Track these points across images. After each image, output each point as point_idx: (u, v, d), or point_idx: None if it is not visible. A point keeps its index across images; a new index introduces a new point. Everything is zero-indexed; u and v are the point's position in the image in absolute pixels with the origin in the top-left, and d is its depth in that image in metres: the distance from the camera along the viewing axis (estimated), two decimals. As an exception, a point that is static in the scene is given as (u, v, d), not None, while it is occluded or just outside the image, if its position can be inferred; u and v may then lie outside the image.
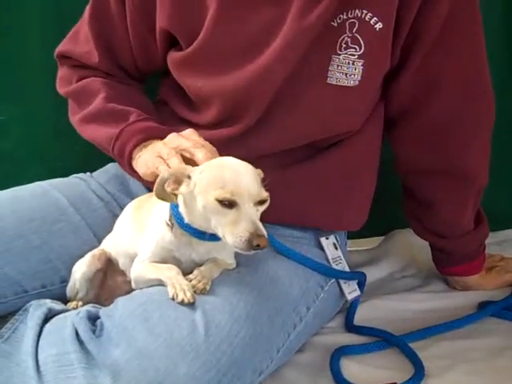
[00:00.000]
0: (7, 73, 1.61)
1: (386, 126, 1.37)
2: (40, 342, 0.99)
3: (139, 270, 1.08)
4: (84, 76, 1.35)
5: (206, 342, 0.94)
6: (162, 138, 1.14)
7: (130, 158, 1.18)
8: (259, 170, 1.01)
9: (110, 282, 1.23)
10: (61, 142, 1.63)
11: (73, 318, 1.00)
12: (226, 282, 1.06)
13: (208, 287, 1.02)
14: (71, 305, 1.17)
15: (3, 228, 1.21)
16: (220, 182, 0.95)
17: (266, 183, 1.00)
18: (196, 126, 1.25)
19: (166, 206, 1.07)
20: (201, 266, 1.05)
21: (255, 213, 0.95)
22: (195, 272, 1.03)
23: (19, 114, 1.63)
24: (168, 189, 1.00)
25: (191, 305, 0.97)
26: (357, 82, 1.17)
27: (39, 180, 1.39)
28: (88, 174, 1.45)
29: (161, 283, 1.02)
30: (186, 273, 1.03)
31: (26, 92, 1.63)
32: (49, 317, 1.05)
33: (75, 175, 1.44)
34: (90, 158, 1.51)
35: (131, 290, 1.14)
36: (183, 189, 0.99)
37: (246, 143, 1.20)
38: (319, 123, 1.21)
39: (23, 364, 0.97)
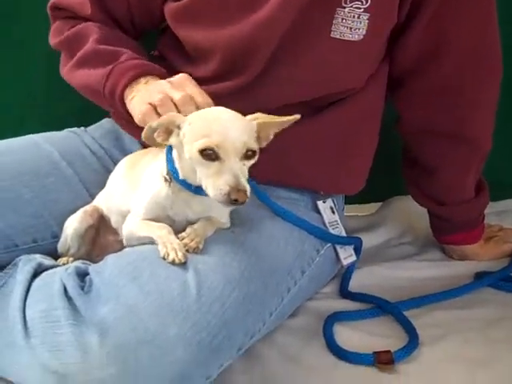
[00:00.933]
0: (2, 26, 1.57)
1: (390, 85, 1.33)
2: (28, 298, 0.96)
3: (131, 227, 1.05)
4: (76, 25, 1.29)
5: (197, 303, 0.92)
6: (154, 75, 1.12)
7: (123, 98, 1.13)
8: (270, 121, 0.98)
9: (101, 239, 1.20)
10: (57, 96, 1.58)
11: (61, 273, 0.97)
12: (220, 241, 1.03)
13: (201, 246, 0.99)
14: (62, 260, 1.14)
15: None
16: (205, 133, 0.92)
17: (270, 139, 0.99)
18: (195, 81, 1.21)
19: (162, 161, 1.04)
20: (193, 224, 1.02)
21: (240, 167, 0.92)
22: (188, 230, 1.00)
23: (14, 68, 1.60)
24: (158, 139, 0.98)
25: (182, 265, 0.94)
26: (361, 37, 1.13)
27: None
28: (82, 128, 1.41)
29: (152, 241, 0.99)
30: (178, 232, 1.01)
31: (23, 45, 1.59)
32: (38, 272, 1.03)
33: (69, 129, 1.41)
34: (85, 113, 1.47)
35: (123, 249, 1.12)
36: (173, 139, 0.97)
37: (246, 97, 1.16)
38: (322, 77, 1.18)
39: (11, 319, 0.95)
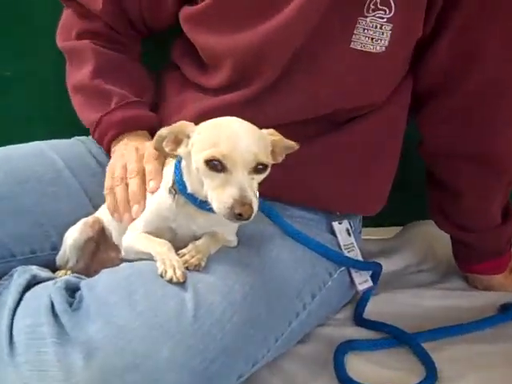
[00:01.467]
0: (13, 29, 1.53)
1: (414, 104, 1.26)
2: (17, 311, 0.90)
3: (130, 240, 0.99)
4: (83, 30, 1.27)
5: (193, 325, 0.84)
6: (142, 128, 1.18)
7: (109, 149, 1.20)
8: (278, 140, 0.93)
9: (102, 254, 1.14)
10: (66, 102, 1.53)
11: (50, 287, 0.91)
12: (224, 260, 0.96)
13: (203, 263, 0.92)
14: (59, 273, 1.08)
15: None
16: (213, 143, 0.86)
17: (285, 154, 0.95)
18: (207, 91, 1.17)
19: (169, 172, 0.98)
20: (198, 239, 0.96)
21: (247, 180, 0.85)
22: (189, 246, 0.94)
23: (24, 71, 1.55)
24: (166, 148, 0.93)
25: (180, 284, 0.87)
26: (383, 49, 1.06)
27: (41, 140, 1.31)
28: (90, 137, 1.36)
29: (151, 257, 0.93)
30: (181, 247, 0.94)
31: (32, 48, 1.54)
32: (32, 284, 0.96)
33: (77, 137, 1.35)
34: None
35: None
36: (181, 149, 0.92)
37: (259, 109, 1.10)
38: (339, 91, 1.11)
39: (1, 334, 0.89)
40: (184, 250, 0.92)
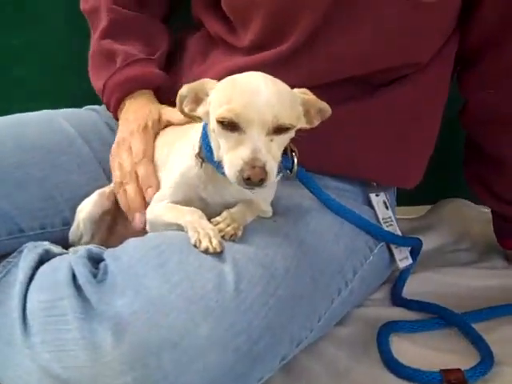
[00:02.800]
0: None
1: (458, 65, 1.17)
2: (30, 287, 0.79)
3: (156, 211, 0.89)
4: None
5: (235, 299, 0.74)
6: (146, 87, 1.11)
7: (117, 115, 1.12)
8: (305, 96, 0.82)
9: (119, 227, 1.04)
10: (79, 71, 1.43)
11: (71, 257, 0.80)
12: (261, 230, 0.86)
13: (239, 233, 0.82)
14: (73, 250, 0.98)
15: (1, 155, 1.03)
16: (228, 99, 0.76)
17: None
18: (236, 50, 1.07)
19: (196, 136, 0.88)
20: (231, 208, 0.85)
21: (264, 141, 0.75)
22: (224, 214, 0.83)
23: (35, 40, 1.46)
24: (186, 109, 0.83)
25: (218, 255, 0.77)
26: None
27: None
28: (103, 106, 1.25)
29: (181, 229, 0.82)
30: (214, 216, 0.84)
31: (43, 17, 1.45)
32: (45, 259, 0.85)
33: (88, 106, 1.26)
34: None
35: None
36: (200, 109, 0.82)
37: (292, 69, 1.00)
38: (382, 44, 1.00)
39: (11, 313, 0.78)
40: (218, 218, 0.82)
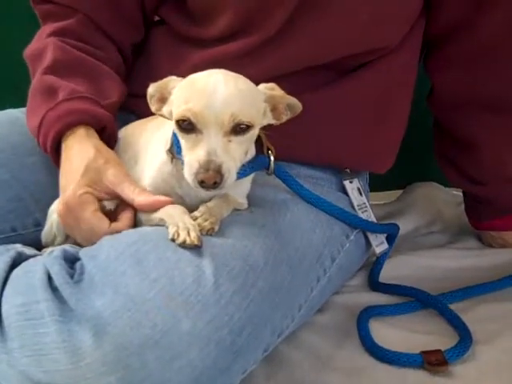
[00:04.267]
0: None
1: (426, 49, 1.18)
2: (4, 292, 0.77)
3: None
4: (53, 29, 1.08)
5: (215, 293, 0.73)
6: (89, 123, 0.95)
7: (57, 155, 0.97)
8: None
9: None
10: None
11: (45, 258, 0.78)
12: (238, 222, 0.85)
13: (216, 227, 0.81)
14: (47, 251, 0.96)
15: None
16: (186, 99, 0.76)
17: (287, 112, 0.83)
18: (201, 42, 1.05)
19: (168, 131, 0.86)
20: (207, 202, 0.85)
21: (221, 142, 0.75)
22: (201, 208, 0.82)
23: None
24: (152, 108, 0.83)
25: (195, 248, 0.76)
26: None
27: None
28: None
29: (160, 223, 0.81)
30: (189, 212, 0.83)
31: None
32: (18, 262, 0.83)
33: (53, 105, 1.21)
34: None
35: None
36: (164, 108, 0.82)
37: (261, 60, 1.00)
38: (352, 32, 1.01)
39: None
40: (196, 213, 0.81)
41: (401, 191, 1.64)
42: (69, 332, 0.68)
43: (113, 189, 0.86)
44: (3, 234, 1.00)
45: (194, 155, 0.75)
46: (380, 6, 0.99)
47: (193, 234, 0.75)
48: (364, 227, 1.08)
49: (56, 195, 1.00)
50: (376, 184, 1.32)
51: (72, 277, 0.74)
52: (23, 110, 1.12)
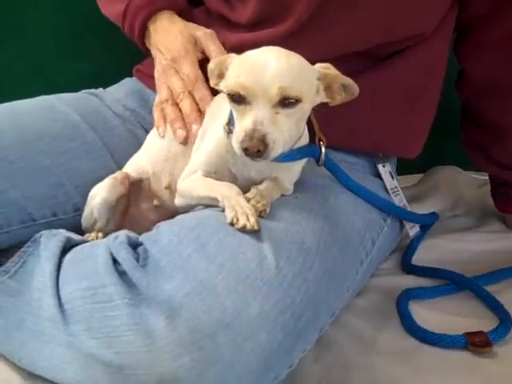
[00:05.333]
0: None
1: (457, 34, 1.19)
2: (60, 276, 0.79)
3: (189, 183, 0.89)
4: None
5: (277, 277, 0.74)
6: (169, 8, 1.08)
7: (143, 40, 1.11)
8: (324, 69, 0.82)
9: (132, 209, 1.04)
10: (64, 55, 1.40)
11: (109, 243, 0.79)
12: (286, 206, 0.86)
13: (268, 209, 0.82)
14: (90, 236, 0.98)
15: (5, 146, 1.01)
16: (238, 74, 0.77)
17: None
18: (235, 26, 1.06)
19: (227, 108, 0.87)
20: (258, 185, 0.86)
21: (268, 113, 0.76)
22: (253, 191, 0.83)
23: (16, 23, 1.42)
24: (212, 83, 0.85)
25: (255, 233, 0.77)
26: None
27: (40, 96, 1.18)
28: (101, 89, 1.23)
29: (213, 203, 0.82)
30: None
31: (27, 7, 1.42)
32: (67, 247, 0.85)
33: (85, 90, 1.23)
34: (98, 75, 1.30)
35: (158, 219, 0.95)
36: (222, 83, 0.83)
37: (293, 46, 0.99)
38: (390, 20, 1.01)
39: (35, 303, 0.78)
40: (248, 195, 0.82)
41: (421, 175, 1.65)
42: (140, 315, 0.69)
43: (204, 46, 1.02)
44: (45, 218, 1.01)
45: (241, 125, 0.76)
46: None
47: (252, 219, 0.76)
48: (405, 217, 1.12)
49: (94, 180, 1.01)
50: (397, 167, 1.32)
51: (137, 261, 0.74)
52: (58, 96, 1.13)
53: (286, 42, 0.97)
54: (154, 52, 1.08)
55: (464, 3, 1.12)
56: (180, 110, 1.00)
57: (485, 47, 1.16)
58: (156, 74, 1.06)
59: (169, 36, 1.05)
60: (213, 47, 1.02)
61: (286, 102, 0.76)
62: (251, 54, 0.80)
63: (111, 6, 1.13)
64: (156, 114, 1.02)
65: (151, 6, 1.07)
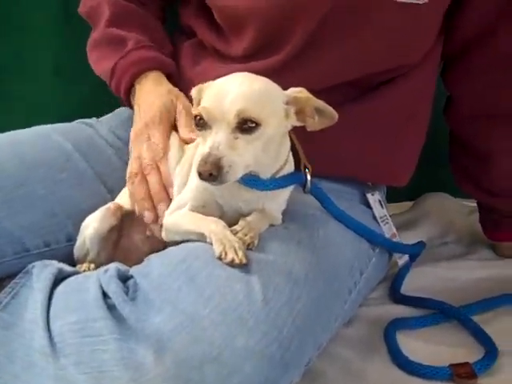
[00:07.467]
0: (4, 11, 1.44)
1: (444, 62, 1.22)
2: (52, 308, 0.79)
3: (176, 219, 0.90)
4: None
5: (264, 309, 0.76)
6: (158, 69, 1.10)
7: (129, 94, 1.13)
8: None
9: (125, 240, 1.05)
10: (62, 86, 1.43)
11: (99, 276, 0.80)
12: (275, 237, 0.88)
13: (256, 242, 0.84)
14: (82, 267, 0.98)
15: (4, 174, 1.03)
16: (204, 99, 0.81)
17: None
18: (229, 58, 1.09)
19: None
20: (246, 216, 0.87)
21: (226, 137, 0.77)
22: (241, 223, 0.85)
23: (18, 59, 1.46)
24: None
25: (243, 267, 0.78)
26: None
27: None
28: (94, 118, 1.25)
29: (200, 238, 0.84)
30: (228, 224, 0.85)
31: (25, 33, 1.45)
32: (59, 279, 0.86)
33: (80, 120, 1.25)
34: (94, 104, 1.33)
35: (151, 250, 0.97)
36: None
37: (285, 78, 1.00)
38: (378, 52, 1.03)
39: (28, 335, 0.79)
40: (236, 227, 0.83)
41: (411, 203, 1.66)
42: (129, 349, 0.70)
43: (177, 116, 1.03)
44: (38, 248, 1.03)
45: (201, 150, 0.78)
46: (404, 29, 1.02)
47: (240, 253, 0.78)
48: (394, 249, 1.13)
49: (86, 210, 1.03)
50: (387, 195, 1.33)
51: (126, 294, 0.76)
52: (54, 126, 1.15)
53: (279, 72, 1.00)
54: (135, 109, 1.10)
55: (449, 32, 1.14)
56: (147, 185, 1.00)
57: (472, 72, 1.18)
58: (131, 136, 1.07)
59: (149, 98, 1.07)
60: (183, 120, 1.04)
61: (246, 126, 0.78)
62: (220, 81, 0.83)
63: (99, 61, 1.16)
64: (129, 193, 1.02)
65: (140, 65, 1.09)
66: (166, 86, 1.09)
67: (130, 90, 1.12)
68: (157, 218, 0.96)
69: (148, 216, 0.97)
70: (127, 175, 1.02)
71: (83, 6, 1.22)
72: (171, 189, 0.96)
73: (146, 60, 1.10)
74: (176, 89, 1.08)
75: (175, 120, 1.04)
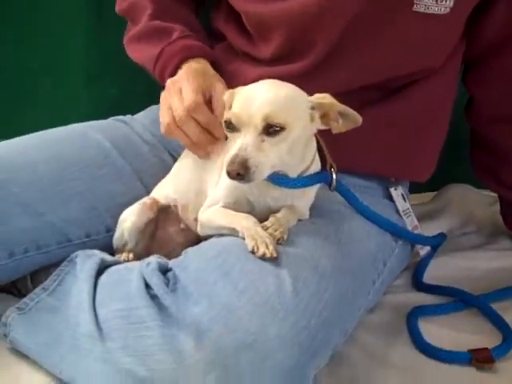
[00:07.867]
0: (34, 20, 1.50)
1: (467, 66, 1.25)
2: (97, 296, 0.87)
3: (209, 214, 0.96)
4: None
5: (294, 300, 0.82)
6: (204, 57, 1.11)
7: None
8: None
9: (160, 232, 1.11)
10: (93, 86, 1.49)
11: (142, 269, 0.88)
12: (303, 232, 0.94)
13: (285, 237, 0.90)
14: (122, 256, 1.05)
15: (42, 173, 1.09)
16: (234, 105, 0.87)
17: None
18: (256, 61, 1.13)
19: None
20: (275, 212, 0.93)
21: (253, 140, 0.83)
22: (271, 219, 0.91)
23: (50, 61, 1.52)
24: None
25: (274, 260, 0.84)
26: (448, 10, 1.03)
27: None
28: (129, 116, 1.31)
29: (233, 233, 0.90)
30: (259, 220, 0.91)
31: (55, 38, 1.51)
32: (101, 268, 0.93)
33: (114, 117, 1.31)
34: (125, 104, 1.38)
35: (185, 241, 1.04)
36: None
37: (312, 82, 1.05)
38: (400, 57, 1.08)
39: (72, 320, 0.87)
40: (267, 223, 0.89)
41: (433, 193, 1.70)
42: (171, 336, 0.77)
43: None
44: (79, 239, 1.09)
45: (231, 151, 0.84)
46: (426, 38, 1.06)
47: (271, 248, 0.84)
48: (416, 241, 1.18)
49: (124, 203, 1.09)
50: (410, 186, 1.38)
51: (167, 286, 0.82)
52: (89, 123, 1.21)
53: (303, 77, 1.05)
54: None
55: (473, 37, 1.18)
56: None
57: (494, 77, 1.21)
58: (161, 94, 1.09)
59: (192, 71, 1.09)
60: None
61: (272, 130, 0.84)
62: (248, 87, 0.89)
63: (142, 50, 1.18)
64: (179, 136, 1.03)
65: (187, 52, 1.10)
66: (211, 70, 1.11)
67: (174, 75, 1.11)
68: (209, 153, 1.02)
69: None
70: (162, 129, 1.04)
71: (120, 4, 1.25)
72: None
73: (192, 47, 1.12)
74: (218, 76, 1.10)
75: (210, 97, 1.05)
